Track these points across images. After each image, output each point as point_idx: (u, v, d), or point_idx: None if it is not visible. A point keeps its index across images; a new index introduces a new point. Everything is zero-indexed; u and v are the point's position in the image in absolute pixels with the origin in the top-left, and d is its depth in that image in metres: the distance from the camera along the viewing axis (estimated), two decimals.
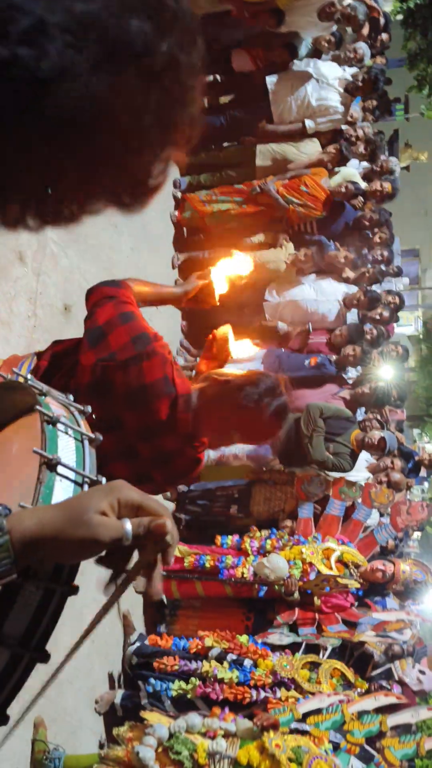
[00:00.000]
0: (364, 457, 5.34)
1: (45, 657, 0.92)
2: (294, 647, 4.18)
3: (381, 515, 5.28)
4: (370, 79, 5.48)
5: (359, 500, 4.82)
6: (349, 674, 4.08)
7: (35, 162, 0.72)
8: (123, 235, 4.79)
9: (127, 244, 4.86)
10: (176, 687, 4.00)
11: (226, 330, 2.20)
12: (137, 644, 4.34)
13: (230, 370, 5.40)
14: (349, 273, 5.48)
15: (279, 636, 4.19)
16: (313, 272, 5.50)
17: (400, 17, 10.37)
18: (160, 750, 3.40)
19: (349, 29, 5.69)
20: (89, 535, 0.82)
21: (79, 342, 2.09)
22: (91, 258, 4.26)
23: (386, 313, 5.62)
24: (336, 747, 3.66)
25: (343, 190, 5.48)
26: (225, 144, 6.15)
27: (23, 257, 3.52)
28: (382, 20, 5.82)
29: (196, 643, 4.16)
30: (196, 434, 1.99)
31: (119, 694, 4.11)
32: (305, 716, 3.69)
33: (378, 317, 5.61)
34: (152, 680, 4.08)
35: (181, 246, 5.87)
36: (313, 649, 4.17)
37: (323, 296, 5.43)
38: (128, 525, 0.85)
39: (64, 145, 0.70)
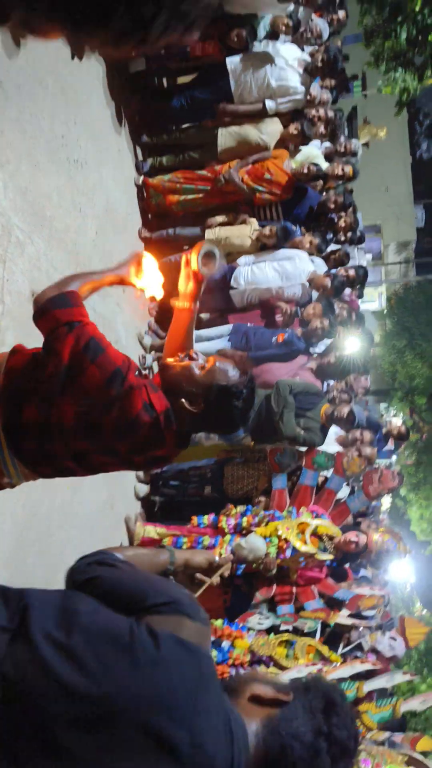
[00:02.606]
0: (333, 430, 5.45)
1: None
2: (270, 628, 4.29)
3: (351, 491, 5.41)
4: (329, 59, 5.51)
5: (331, 470, 4.93)
6: (324, 650, 4.21)
7: None
8: (87, 218, 4.76)
9: (92, 228, 4.83)
10: None
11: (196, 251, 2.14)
12: None
13: (199, 347, 5.49)
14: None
15: (258, 618, 4.29)
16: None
17: None
18: None
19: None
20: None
21: (36, 362, 2.00)
22: (57, 243, 4.24)
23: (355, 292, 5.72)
24: None
25: (306, 171, 5.51)
26: (185, 125, 6.13)
27: None
28: None
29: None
30: (183, 439, 2.06)
31: None
32: None
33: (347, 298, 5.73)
34: None
35: (149, 227, 5.87)
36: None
37: (288, 281, 5.48)
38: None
39: None
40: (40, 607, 1.26)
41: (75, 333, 1.91)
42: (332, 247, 6.15)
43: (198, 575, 2.12)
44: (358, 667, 3.99)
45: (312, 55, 5.63)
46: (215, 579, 2.17)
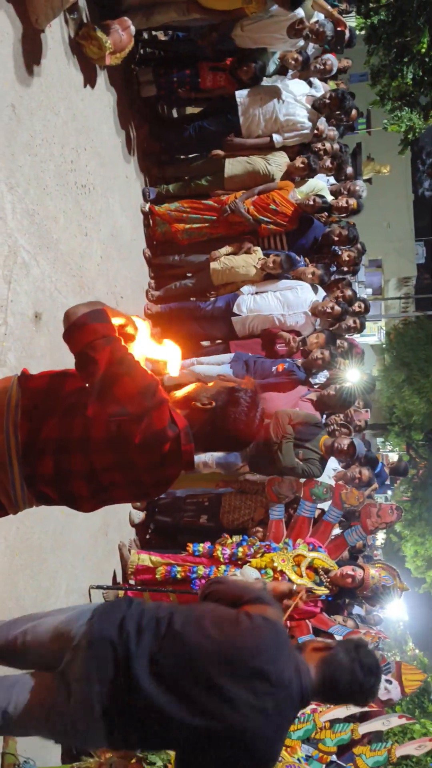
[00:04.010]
0: (331, 465, 5.41)
1: None
2: None
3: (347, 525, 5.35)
4: (337, 96, 5.60)
5: (329, 502, 4.89)
6: None
7: None
8: (93, 242, 4.78)
9: (97, 252, 4.85)
10: None
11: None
12: None
13: (200, 369, 5.43)
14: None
15: None
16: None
17: (363, 33, 10.60)
18: (133, 761, 3.37)
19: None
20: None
21: (61, 379, 2.13)
22: (62, 266, 4.25)
23: (357, 323, 5.75)
24: (308, 756, 3.70)
25: (311, 203, 5.56)
26: (192, 155, 6.21)
27: None
28: (347, 34, 5.94)
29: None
30: (192, 460, 2.10)
31: None
32: None
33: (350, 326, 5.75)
34: None
35: (154, 252, 5.91)
36: None
37: (290, 309, 5.51)
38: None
39: None
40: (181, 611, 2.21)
41: (112, 346, 2.00)
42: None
43: (285, 601, 2.87)
44: (354, 708, 3.90)
45: (321, 96, 5.72)
46: (299, 602, 3.09)
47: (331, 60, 5.86)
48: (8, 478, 2.05)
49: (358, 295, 6.13)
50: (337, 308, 5.53)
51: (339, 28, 5.76)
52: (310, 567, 4.43)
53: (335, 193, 6.31)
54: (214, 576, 4.39)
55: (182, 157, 6.19)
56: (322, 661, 2.18)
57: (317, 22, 5.46)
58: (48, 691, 2.14)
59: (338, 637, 4.37)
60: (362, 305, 5.94)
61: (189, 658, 2.05)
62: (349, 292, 5.73)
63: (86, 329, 2.00)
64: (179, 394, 2.18)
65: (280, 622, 2.29)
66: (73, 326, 2.02)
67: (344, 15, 6.46)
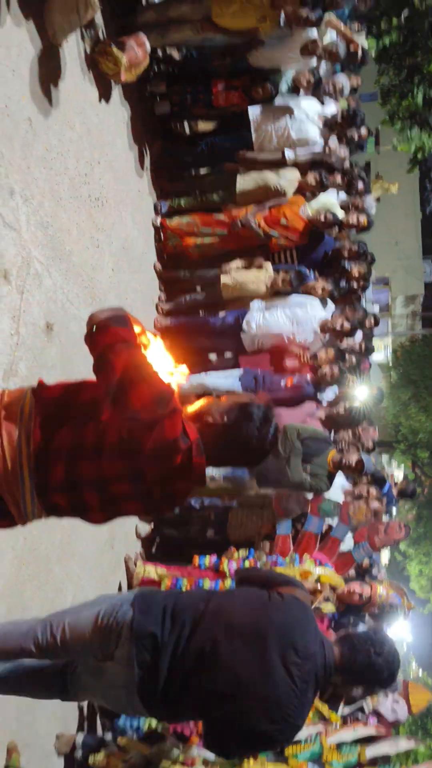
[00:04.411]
0: (339, 483, 5.40)
1: None
2: None
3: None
4: (349, 116, 5.66)
5: (337, 518, 4.87)
6: (323, 709, 4.07)
7: None
8: (105, 254, 4.82)
9: (109, 264, 4.89)
10: (147, 724, 3.94)
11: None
12: None
13: (209, 381, 5.45)
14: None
15: None
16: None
17: (373, 53, 10.70)
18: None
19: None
20: None
21: (77, 387, 2.15)
22: (74, 278, 4.28)
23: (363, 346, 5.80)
24: None
25: (322, 219, 5.59)
26: (204, 170, 6.26)
27: (8, 275, 3.53)
28: (360, 53, 6.00)
29: None
30: (203, 474, 2.10)
31: (80, 737, 3.92)
32: (283, 747, 3.68)
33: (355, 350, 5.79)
34: (123, 716, 4.00)
35: (164, 266, 5.95)
36: None
37: (299, 327, 5.51)
38: None
39: None
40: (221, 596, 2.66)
41: (131, 351, 2.03)
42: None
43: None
44: (362, 731, 3.87)
45: (333, 114, 5.77)
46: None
47: (343, 82, 5.91)
48: (19, 489, 2.04)
49: (368, 312, 6.15)
50: (347, 325, 5.54)
51: (352, 48, 5.82)
52: (317, 582, 4.39)
53: (345, 209, 6.35)
54: (220, 590, 4.37)
55: (194, 172, 6.24)
56: (341, 639, 2.55)
57: (331, 42, 5.52)
58: (95, 675, 2.55)
59: None
60: (372, 319, 5.94)
61: (224, 633, 2.36)
62: (359, 314, 5.75)
63: (107, 332, 2.04)
64: (192, 408, 2.18)
65: (308, 602, 2.62)
66: (94, 328, 2.06)
67: (356, 35, 6.52)
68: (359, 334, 5.94)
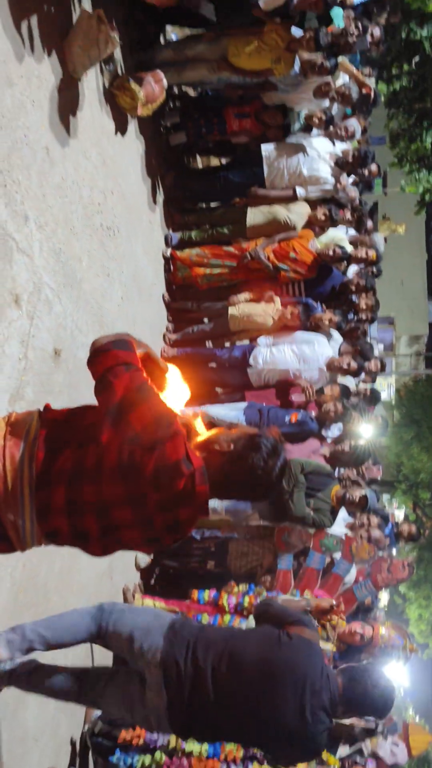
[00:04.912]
0: (342, 515, 5.34)
1: None
2: None
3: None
4: (360, 156, 5.75)
5: (339, 554, 4.80)
6: (323, 753, 3.97)
7: None
8: (115, 283, 4.85)
9: (119, 293, 4.92)
10: (141, 762, 3.84)
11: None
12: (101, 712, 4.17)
13: (213, 412, 5.43)
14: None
15: None
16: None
17: (383, 98, 10.93)
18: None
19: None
20: None
21: (82, 411, 2.12)
22: (84, 305, 4.31)
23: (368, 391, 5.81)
24: None
25: (331, 253, 5.64)
26: (215, 204, 6.35)
27: (19, 300, 3.54)
28: (372, 96, 6.12)
29: None
30: (209, 502, 2.05)
31: None
32: None
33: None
34: (117, 752, 3.91)
35: (173, 296, 5.99)
36: None
37: (305, 364, 5.53)
38: None
39: None
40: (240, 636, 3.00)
41: (131, 373, 1.99)
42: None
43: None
44: None
45: (344, 151, 5.87)
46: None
47: (354, 126, 6.03)
48: (18, 512, 2.01)
49: (376, 353, 6.17)
50: (354, 364, 5.55)
51: (364, 91, 5.94)
52: (318, 621, 4.32)
53: (354, 244, 6.41)
54: (219, 625, 4.30)
55: (205, 205, 6.32)
56: (341, 671, 2.88)
57: (344, 84, 5.64)
58: (130, 692, 2.91)
59: None
60: (379, 363, 5.95)
61: (241, 673, 2.75)
62: (366, 348, 5.78)
63: (109, 355, 2.02)
64: (201, 438, 2.15)
65: (316, 640, 2.94)
66: (96, 351, 2.05)
67: (366, 79, 6.67)
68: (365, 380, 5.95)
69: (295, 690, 2.69)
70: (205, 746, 3.85)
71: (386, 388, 22.76)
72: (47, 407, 2.20)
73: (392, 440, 20.13)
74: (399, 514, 21.60)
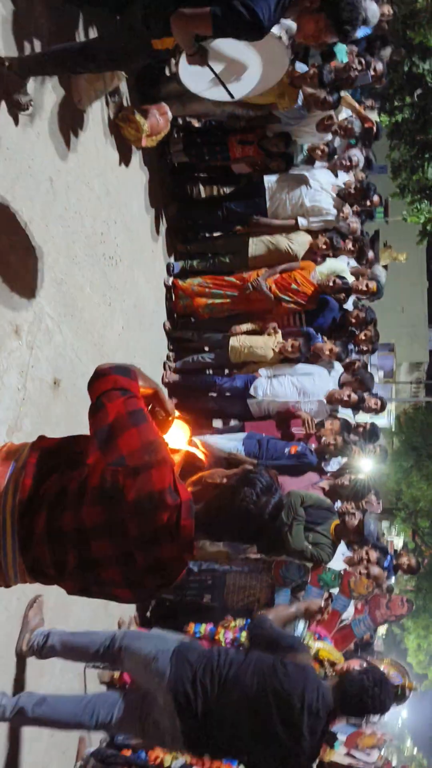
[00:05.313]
0: (341, 550, 5.28)
1: None
2: None
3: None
4: (362, 188, 5.79)
5: (338, 589, 4.74)
6: None
7: None
8: (116, 312, 4.85)
9: (119, 322, 4.92)
10: None
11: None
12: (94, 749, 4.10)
13: (212, 441, 5.38)
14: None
15: None
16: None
17: (386, 129, 11.05)
18: None
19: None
20: None
21: (74, 439, 2.09)
22: (84, 334, 4.30)
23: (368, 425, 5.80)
24: None
25: (332, 284, 5.66)
26: (217, 234, 6.38)
27: (19, 330, 3.54)
28: (374, 130, 6.19)
29: (155, 755, 3.92)
30: (196, 540, 1.96)
31: None
32: None
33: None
34: None
35: (174, 325, 6.00)
36: None
37: (306, 397, 5.53)
38: None
39: None
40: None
41: (126, 399, 1.95)
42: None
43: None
44: None
45: (346, 183, 5.91)
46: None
47: (357, 156, 6.08)
48: (0, 543, 1.95)
49: (376, 380, 6.16)
50: (354, 396, 5.54)
51: (366, 125, 6.00)
52: (316, 658, 4.24)
53: (355, 275, 6.43)
54: None
55: (207, 234, 6.35)
56: (337, 684, 3.17)
57: (346, 119, 5.69)
58: (139, 709, 3.24)
59: (341, 737, 4.16)
60: (378, 403, 5.94)
61: (243, 698, 3.03)
62: (366, 378, 5.77)
63: (107, 378, 1.99)
64: (197, 475, 2.11)
65: (309, 662, 3.22)
66: (96, 375, 2.03)
67: (368, 111, 6.74)
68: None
69: (291, 714, 2.96)
70: None
71: (386, 415, 22.74)
72: (40, 437, 2.16)
73: (391, 468, 20.08)
74: (398, 542, 21.47)
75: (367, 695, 3.07)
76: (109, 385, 1.98)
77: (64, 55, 3.46)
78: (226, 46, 3.11)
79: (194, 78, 3.36)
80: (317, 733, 3.02)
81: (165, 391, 2.37)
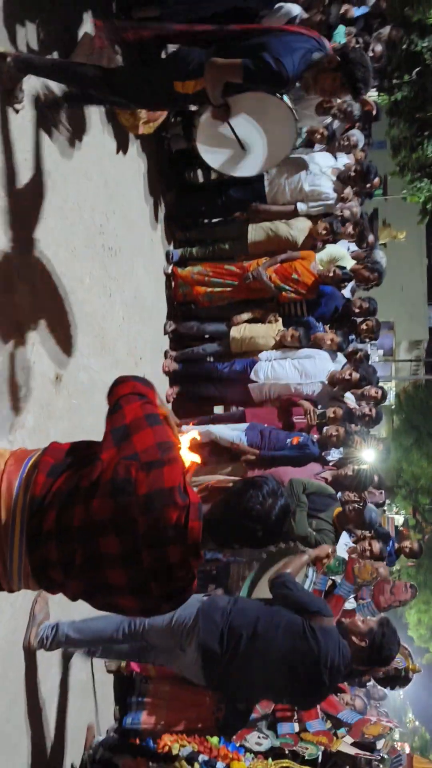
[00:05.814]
0: (343, 540, 5.31)
1: None
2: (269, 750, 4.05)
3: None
4: (362, 170, 5.72)
5: (342, 576, 4.77)
6: None
7: None
8: (116, 303, 4.82)
9: (120, 313, 4.89)
10: None
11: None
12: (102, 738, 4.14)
13: (215, 430, 5.38)
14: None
15: (257, 737, 4.04)
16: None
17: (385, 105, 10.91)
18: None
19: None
20: None
21: (87, 443, 2.14)
22: (85, 326, 4.27)
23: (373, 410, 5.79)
24: None
25: (332, 274, 5.62)
26: (216, 220, 6.31)
27: (20, 327, 3.51)
28: (374, 112, 6.10)
29: (163, 743, 3.96)
30: (203, 543, 1.97)
31: None
32: None
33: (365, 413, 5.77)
34: None
35: (174, 315, 5.96)
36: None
37: (307, 378, 5.51)
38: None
39: None
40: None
41: (143, 403, 2.07)
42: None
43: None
44: None
45: (346, 165, 5.83)
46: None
47: (356, 135, 6.00)
48: (8, 544, 1.97)
49: (378, 381, 6.15)
50: (356, 375, 5.51)
51: (366, 108, 5.91)
52: None
53: (356, 259, 6.38)
54: None
55: (206, 221, 6.29)
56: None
57: (345, 101, 5.60)
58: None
59: (348, 725, 4.21)
60: (379, 392, 5.93)
61: (273, 655, 3.32)
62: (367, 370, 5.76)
63: (126, 384, 2.12)
64: (203, 483, 2.17)
65: (333, 628, 3.47)
66: (116, 382, 2.15)
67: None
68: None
69: (318, 672, 3.28)
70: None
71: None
72: (54, 443, 2.19)
73: (392, 446, 20.16)
74: (399, 519, 21.60)
75: (377, 644, 3.38)
76: (127, 389, 2.09)
77: (82, 80, 3.53)
78: (240, 124, 3.38)
79: (212, 154, 3.70)
80: (336, 682, 3.52)
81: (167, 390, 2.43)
